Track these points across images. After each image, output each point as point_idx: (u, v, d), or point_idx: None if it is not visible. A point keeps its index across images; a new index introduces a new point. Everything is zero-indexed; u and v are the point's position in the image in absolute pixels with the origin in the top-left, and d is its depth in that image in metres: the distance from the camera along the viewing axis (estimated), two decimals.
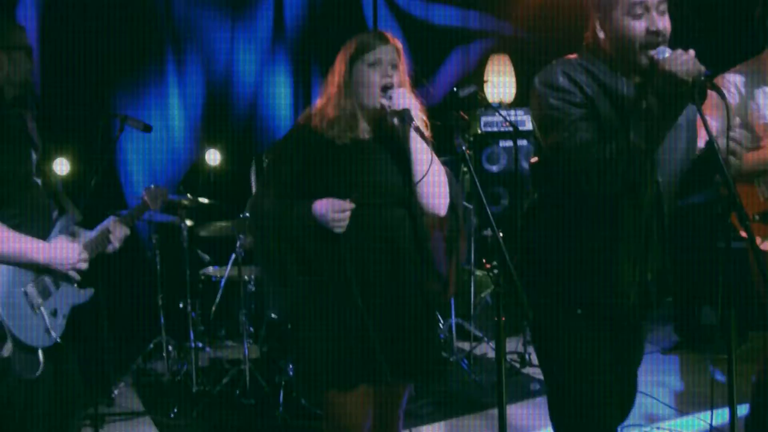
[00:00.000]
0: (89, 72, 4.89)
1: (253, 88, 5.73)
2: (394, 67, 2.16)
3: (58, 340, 2.28)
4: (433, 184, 2.18)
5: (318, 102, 2.25)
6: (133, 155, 5.31)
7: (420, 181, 2.15)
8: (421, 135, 2.10)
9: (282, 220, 2.13)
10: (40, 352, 2.22)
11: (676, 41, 1.93)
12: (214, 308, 4.48)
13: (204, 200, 4.13)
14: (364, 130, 2.22)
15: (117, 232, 2.49)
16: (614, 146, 1.85)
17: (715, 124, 2.51)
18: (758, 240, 2.71)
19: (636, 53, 1.92)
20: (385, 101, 2.13)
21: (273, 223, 2.15)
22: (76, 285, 2.41)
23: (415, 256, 2.22)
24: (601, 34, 1.98)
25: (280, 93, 5.85)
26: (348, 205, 2.08)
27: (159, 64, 5.41)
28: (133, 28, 5.16)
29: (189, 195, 4.05)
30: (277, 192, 2.18)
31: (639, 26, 1.90)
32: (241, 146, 5.50)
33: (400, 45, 2.20)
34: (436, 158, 2.18)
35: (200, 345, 4.30)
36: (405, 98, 2.12)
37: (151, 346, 4.48)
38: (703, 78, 1.78)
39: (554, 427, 2.15)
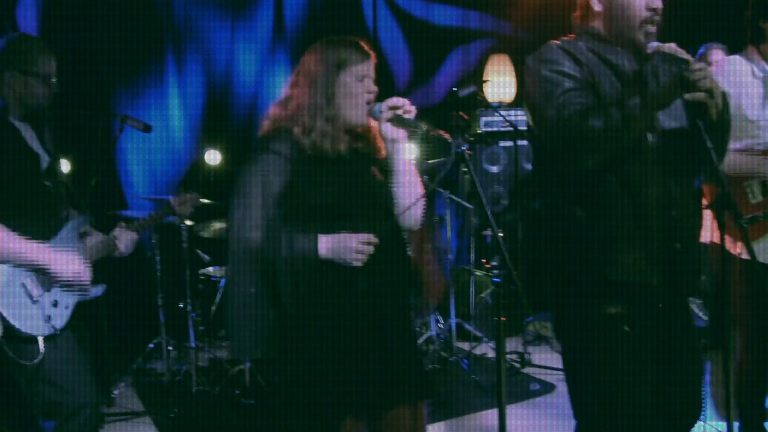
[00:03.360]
0: (89, 72, 4.89)
1: (253, 88, 5.73)
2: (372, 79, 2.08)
3: (57, 330, 2.34)
4: (410, 196, 2.07)
5: (287, 107, 2.14)
6: (133, 155, 5.30)
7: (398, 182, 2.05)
8: (401, 120, 1.99)
9: (285, 259, 1.95)
10: (40, 341, 2.28)
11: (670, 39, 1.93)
12: (214, 308, 4.49)
13: (204, 200, 4.13)
14: (344, 142, 2.09)
15: (124, 237, 2.65)
16: (607, 120, 1.77)
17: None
18: (739, 245, 2.70)
19: (635, 29, 1.90)
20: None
21: (280, 265, 1.96)
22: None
23: (396, 270, 2.10)
24: (597, 7, 1.95)
25: (280, 93, 5.83)
26: (373, 238, 1.96)
27: (159, 64, 5.40)
28: (133, 28, 5.15)
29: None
30: (262, 213, 2.00)
31: (639, 2, 1.88)
32: (241, 146, 5.49)
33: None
34: (411, 167, 2.09)
35: (200, 345, 4.30)
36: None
37: (151, 346, 4.48)
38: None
39: None
